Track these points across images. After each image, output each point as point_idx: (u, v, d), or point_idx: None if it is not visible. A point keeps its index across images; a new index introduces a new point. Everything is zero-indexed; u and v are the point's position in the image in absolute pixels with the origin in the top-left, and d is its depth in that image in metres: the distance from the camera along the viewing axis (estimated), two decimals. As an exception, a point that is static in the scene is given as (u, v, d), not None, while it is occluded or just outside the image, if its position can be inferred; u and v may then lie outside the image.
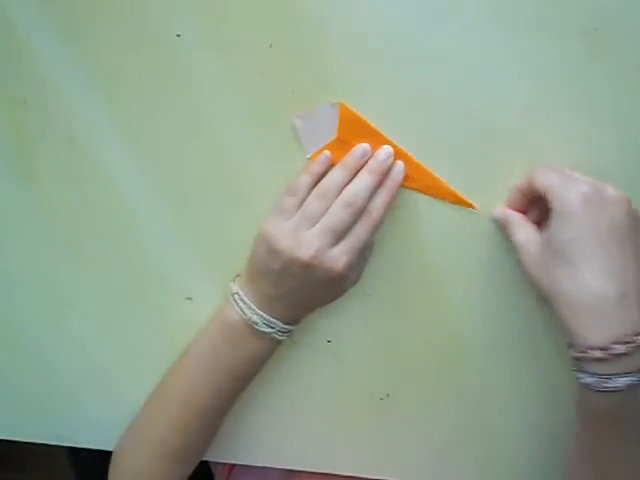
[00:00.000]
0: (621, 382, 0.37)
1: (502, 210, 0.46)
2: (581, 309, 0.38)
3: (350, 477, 0.57)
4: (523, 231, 0.44)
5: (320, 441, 0.56)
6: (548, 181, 0.42)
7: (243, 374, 0.50)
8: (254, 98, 0.47)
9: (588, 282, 0.38)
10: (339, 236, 0.45)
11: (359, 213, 0.45)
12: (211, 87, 0.48)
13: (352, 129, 0.46)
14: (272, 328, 0.47)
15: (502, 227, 0.46)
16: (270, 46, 0.46)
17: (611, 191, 0.40)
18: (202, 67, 0.47)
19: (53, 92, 0.49)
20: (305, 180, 0.46)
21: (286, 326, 0.48)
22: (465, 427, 0.54)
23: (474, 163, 0.47)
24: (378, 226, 0.46)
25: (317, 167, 0.46)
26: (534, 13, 0.43)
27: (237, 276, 0.50)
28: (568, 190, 0.41)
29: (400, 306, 0.51)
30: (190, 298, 0.53)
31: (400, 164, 0.46)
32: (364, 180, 0.45)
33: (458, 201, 0.47)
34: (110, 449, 0.57)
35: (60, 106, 0.49)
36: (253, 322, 0.47)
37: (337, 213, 0.44)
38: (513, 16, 0.43)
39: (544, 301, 0.42)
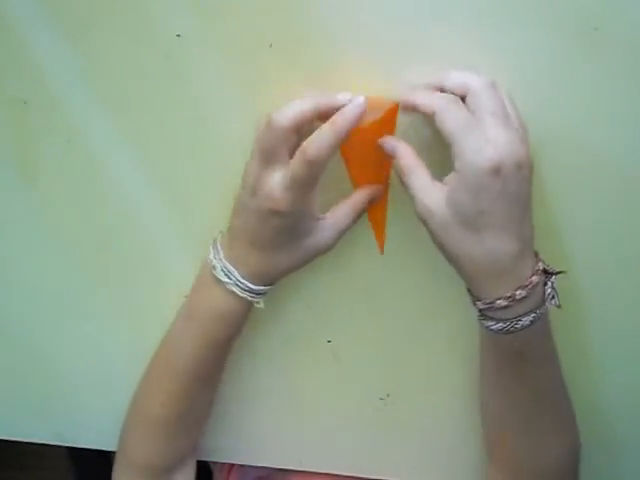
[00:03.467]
0: (526, 320, 0.42)
1: (407, 158, 0.43)
2: (487, 269, 0.41)
3: (350, 477, 0.57)
4: (426, 193, 0.42)
5: (320, 441, 0.56)
6: (456, 138, 0.40)
7: (213, 335, 0.48)
8: (254, 98, 0.47)
9: (494, 246, 0.40)
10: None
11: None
12: (211, 87, 0.48)
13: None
14: (229, 278, 0.46)
15: (399, 173, 0.43)
16: (270, 46, 0.46)
17: (518, 153, 0.39)
18: (202, 67, 0.47)
19: (53, 92, 0.49)
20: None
21: (244, 281, 0.46)
22: (465, 427, 0.55)
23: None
24: (315, 166, 0.41)
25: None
26: (533, 13, 0.43)
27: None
28: (478, 159, 0.39)
29: (400, 306, 0.52)
30: (190, 298, 0.53)
31: (358, 104, 0.42)
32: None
33: None
34: (110, 449, 0.57)
35: (60, 106, 0.49)
36: (213, 267, 0.46)
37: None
38: (512, 16, 0.43)
39: (446, 259, 0.43)
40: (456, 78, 0.42)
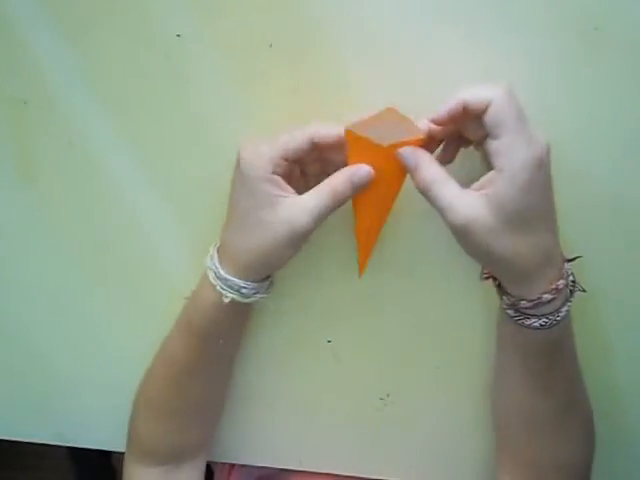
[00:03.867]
0: (564, 311, 0.41)
1: (432, 169, 0.41)
2: (538, 263, 0.40)
3: (350, 477, 0.57)
4: (462, 202, 0.39)
5: (320, 441, 0.56)
6: (509, 131, 0.38)
7: (196, 326, 0.48)
8: (254, 98, 0.47)
9: (542, 239, 0.40)
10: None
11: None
12: (211, 87, 0.48)
13: (362, 152, 0.42)
14: (211, 262, 0.45)
15: (423, 186, 0.41)
16: (270, 46, 0.46)
17: (545, 142, 0.39)
18: (202, 67, 0.47)
19: (53, 92, 0.49)
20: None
21: (217, 264, 0.45)
22: (465, 427, 0.55)
23: (473, 163, 0.47)
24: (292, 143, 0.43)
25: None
26: (534, 13, 0.43)
27: None
28: (528, 153, 0.38)
29: (400, 306, 0.52)
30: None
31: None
32: None
33: None
34: (110, 449, 0.58)
35: (60, 106, 0.49)
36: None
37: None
38: (512, 16, 0.43)
39: (490, 265, 0.42)
40: (479, 92, 0.39)
